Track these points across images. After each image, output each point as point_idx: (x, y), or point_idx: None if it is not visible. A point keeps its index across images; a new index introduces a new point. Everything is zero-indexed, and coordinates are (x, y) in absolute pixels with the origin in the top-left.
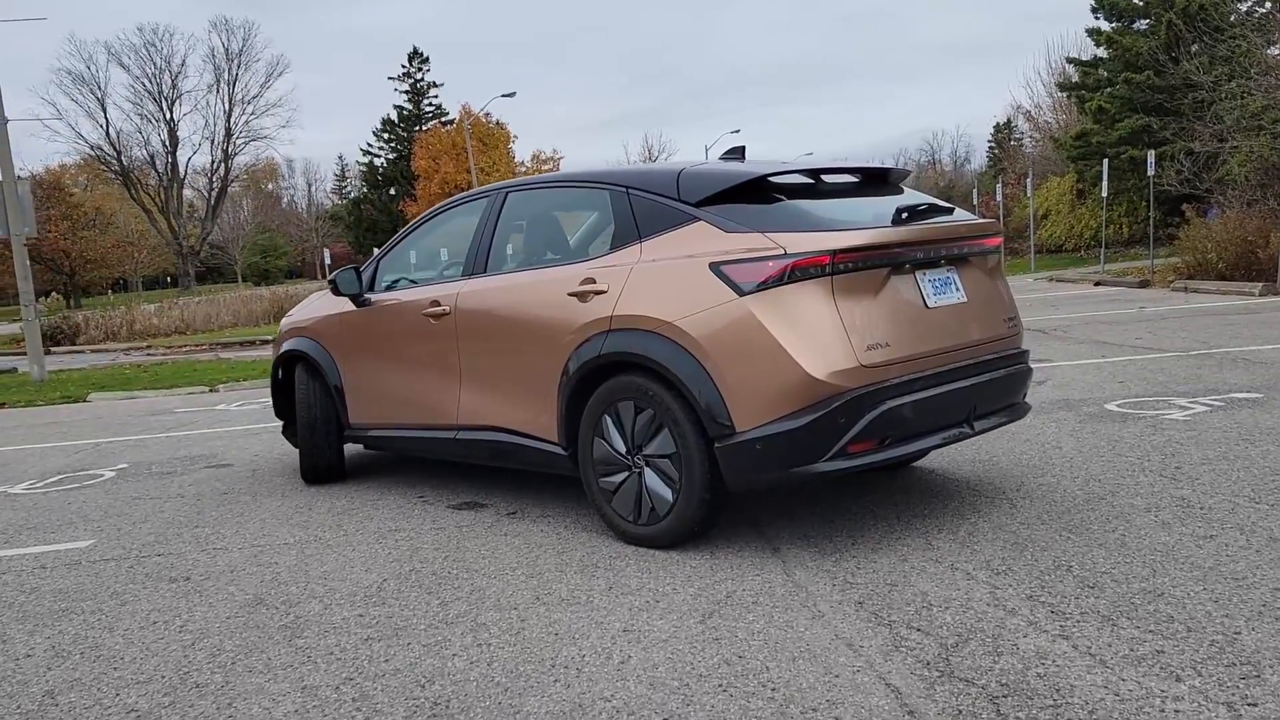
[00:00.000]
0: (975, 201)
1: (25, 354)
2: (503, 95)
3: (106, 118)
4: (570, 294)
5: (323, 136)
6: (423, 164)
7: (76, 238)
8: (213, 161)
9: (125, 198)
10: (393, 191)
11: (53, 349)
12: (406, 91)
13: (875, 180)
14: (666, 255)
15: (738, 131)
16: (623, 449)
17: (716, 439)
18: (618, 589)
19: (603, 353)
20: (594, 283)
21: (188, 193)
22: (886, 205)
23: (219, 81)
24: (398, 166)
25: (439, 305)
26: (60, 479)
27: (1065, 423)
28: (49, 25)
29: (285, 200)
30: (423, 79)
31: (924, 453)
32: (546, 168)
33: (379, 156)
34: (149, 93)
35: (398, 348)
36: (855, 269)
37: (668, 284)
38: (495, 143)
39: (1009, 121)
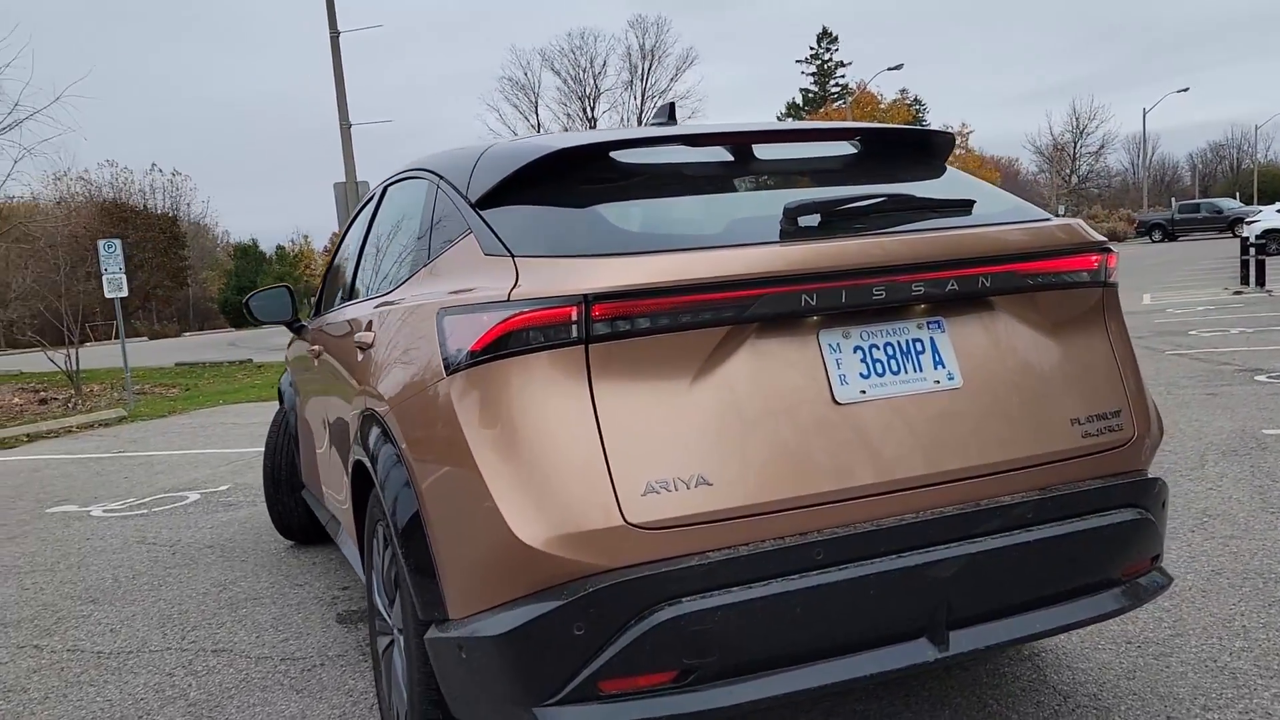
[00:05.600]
0: None
1: None
2: (889, 68)
3: (538, 118)
4: (356, 343)
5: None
6: None
7: None
8: None
9: None
10: None
11: None
12: (813, 74)
13: (898, 152)
14: (425, 290)
15: (1185, 90)
16: (388, 599)
17: (429, 622)
18: None
19: (352, 439)
20: (368, 329)
21: None
22: (843, 197)
23: (634, 78)
24: None
25: (315, 343)
26: (159, 499)
27: None
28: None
29: None
30: (830, 59)
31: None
32: None
33: None
34: (574, 92)
35: (302, 391)
36: (645, 330)
37: (400, 340)
38: (889, 121)
39: None
